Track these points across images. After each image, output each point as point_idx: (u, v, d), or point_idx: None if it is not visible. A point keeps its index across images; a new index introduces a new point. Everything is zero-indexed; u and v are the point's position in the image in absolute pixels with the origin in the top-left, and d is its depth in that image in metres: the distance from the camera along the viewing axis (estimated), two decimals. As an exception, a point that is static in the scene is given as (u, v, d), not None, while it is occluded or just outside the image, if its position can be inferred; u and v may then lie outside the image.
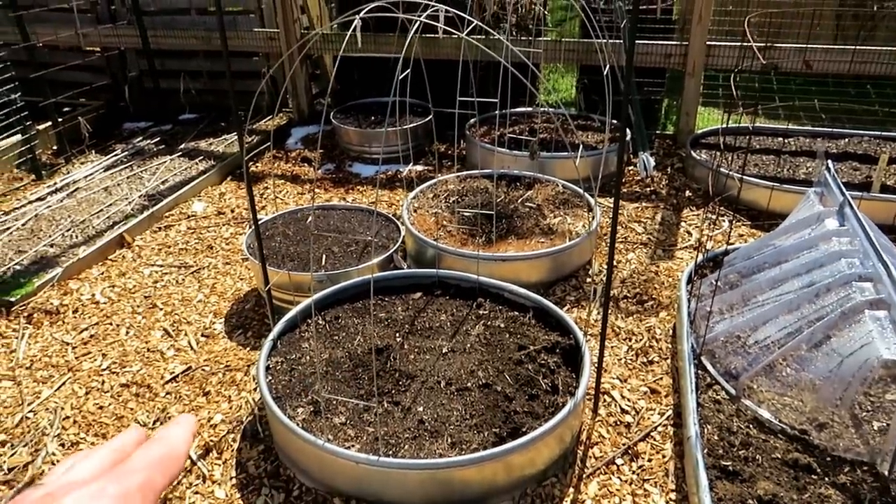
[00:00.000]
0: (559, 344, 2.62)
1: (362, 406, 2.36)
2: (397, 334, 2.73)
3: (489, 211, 3.49)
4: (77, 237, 3.73)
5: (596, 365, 2.50)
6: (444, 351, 2.62)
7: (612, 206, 4.12)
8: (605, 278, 3.29)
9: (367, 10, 2.20)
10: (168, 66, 5.84)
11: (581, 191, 3.82)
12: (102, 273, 3.56)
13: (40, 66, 4.62)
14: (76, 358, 2.92)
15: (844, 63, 4.59)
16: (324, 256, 3.20)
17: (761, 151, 4.62)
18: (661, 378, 2.74)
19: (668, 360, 2.84)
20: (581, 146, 4.53)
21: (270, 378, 2.46)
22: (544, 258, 3.26)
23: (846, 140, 4.77)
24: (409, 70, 3.23)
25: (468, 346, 2.66)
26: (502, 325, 2.77)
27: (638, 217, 4.02)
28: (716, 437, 2.24)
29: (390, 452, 2.16)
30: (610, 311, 3.18)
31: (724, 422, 2.31)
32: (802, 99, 5.77)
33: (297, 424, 2.22)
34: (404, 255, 3.45)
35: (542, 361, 2.54)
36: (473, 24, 2.47)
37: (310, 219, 3.54)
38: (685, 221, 3.99)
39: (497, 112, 4.50)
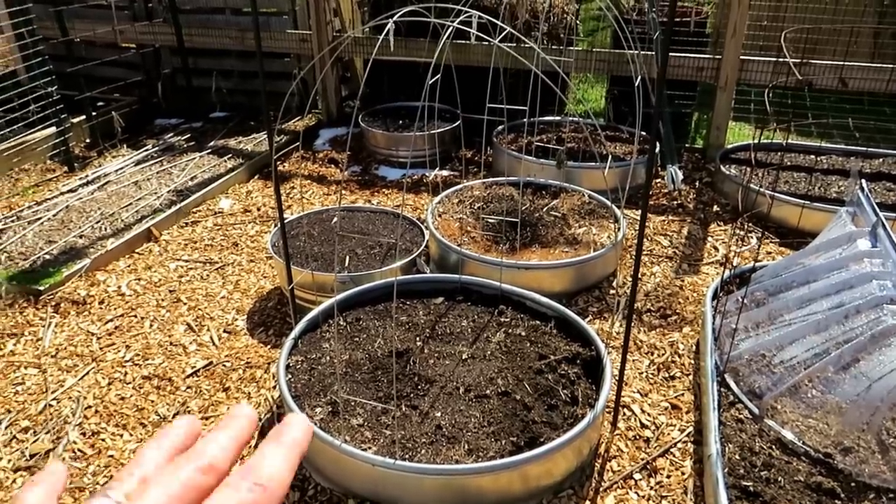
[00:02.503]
0: (580, 355, 2.60)
1: (380, 408, 2.36)
2: (418, 338, 2.73)
3: (514, 218, 3.48)
4: (106, 229, 3.78)
5: (617, 378, 2.47)
6: (464, 357, 2.62)
7: (638, 217, 4.09)
8: (628, 291, 3.27)
9: (400, 14, 2.21)
10: (201, 64, 5.92)
11: (607, 202, 3.79)
12: (129, 266, 3.61)
13: (77, 60, 4.71)
14: (100, 348, 2.96)
15: (881, 82, 4.52)
16: (347, 258, 3.21)
17: (792, 168, 4.55)
18: (683, 394, 2.70)
19: (691, 377, 2.81)
20: (610, 157, 4.50)
21: (290, 376, 2.47)
22: (568, 268, 3.24)
23: (881, 160, 4.69)
24: (439, 75, 3.24)
25: (488, 353, 2.65)
26: (523, 334, 2.75)
27: (664, 230, 3.98)
28: (737, 457, 2.20)
29: (407, 456, 2.16)
30: (633, 325, 3.15)
31: (746, 441, 2.27)
32: (835, 117, 5.69)
33: (315, 424, 2.23)
34: (427, 259, 3.45)
35: (563, 372, 2.52)
36: (506, 32, 2.46)
37: (335, 220, 3.55)
38: (712, 236, 3.94)
39: (525, 120, 4.49)
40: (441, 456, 2.17)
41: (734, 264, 3.62)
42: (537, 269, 3.20)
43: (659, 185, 4.62)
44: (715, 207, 4.29)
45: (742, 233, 3.96)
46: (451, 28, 2.31)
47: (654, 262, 3.65)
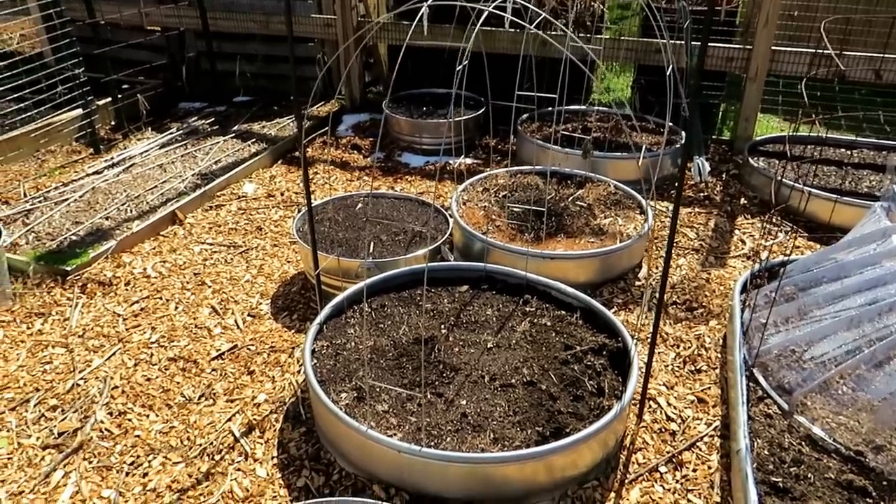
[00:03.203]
0: (606, 346, 2.57)
1: (405, 395, 2.35)
2: (443, 326, 2.72)
3: (539, 208, 3.45)
4: (131, 211, 3.80)
5: (644, 370, 2.44)
6: (489, 346, 2.60)
7: (665, 209, 4.04)
8: (655, 283, 3.23)
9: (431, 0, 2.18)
10: (225, 48, 5.92)
11: (634, 192, 3.75)
12: (154, 248, 3.63)
13: (103, 43, 4.72)
14: (126, 329, 2.98)
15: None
16: (372, 244, 3.20)
17: (823, 162, 4.47)
18: (710, 388, 2.67)
19: (717, 370, 2.78)
20: (644, 147, 4.45)
21: (316, 361, 2.47)
22: (593, 258, 3.21)
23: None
24: (466, 62, 3.21)
25: (513, 342, 2.64)
26: (549, 324, 2.73)
27: (691, 222, 3.93)
28: (766, 452, 2.17)
29: (432, 443, 2.15)
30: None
31: (775, 437, 2.24)
32: (866, 110, 5.58)
33: (341, 409, 2.23)
34: (450, 246, 3.43)
35: (589, 363, 2.50)
36: (541, 17, 2.43)
37: (359, 205, 3.54)
38: (739, 229, 3.89)
39: (550, 109, 4.44)
40: (466, 444, 2.17)
41: (762, 258, 3.58)
42: (563, 259, 3.17)
43: (686, 175, 4.55)
44: (742, 200, 4.23)
45: (770, 226, 3.90)
46: (484, 13, 2.27)
47: (681, 255, 3.61)
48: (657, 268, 3.48)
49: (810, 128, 5.75)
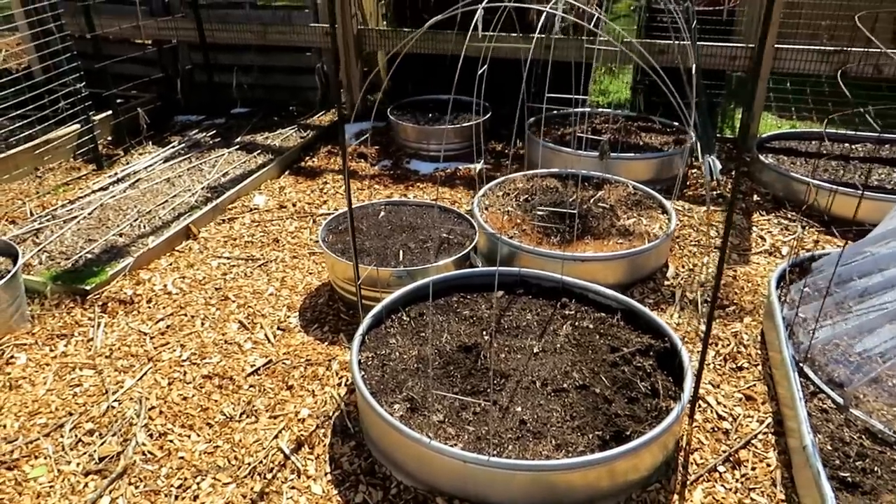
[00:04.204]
0: (652, 347, 2.55)
1: (458, 404, 2.31)
2: (484, 332, 2.68)
3: (565, 210, 3.43)
4: (145, 227, 3.71)
5: (696, 370, 2.43)
6: (534, 351, 2.57)
7: (681, 209, 4.03)
8: (685, 282, 3.23)
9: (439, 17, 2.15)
10: (220, 59, 5.83)
11: (654, 192, 3.75)
12: (171, 264, 3.54)
13: (103, 57, 4.62)
14: (155, 348, 2.89)
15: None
16: (401, 252, 3.15)
17: (833, 157, 4.52)
18: (755, 385, 2.66)
19: (759, 367, 2.77)
20: (672, 145, 4.46)
21: (363, 373, 2.41)
22: (624, 259, 3.19)
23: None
24: (484, 68, 3.19)
25: (558, 346, 2.60)
26: (591, 326, 2.71)
27: (710, 221, 3.94)
28: (829, 448, 2.16)
29: (495, 452, 2.11)
30: (691, 315, 3.12)
31: (834, 432, 2.23)
32: (861, 105, 5.67)
33: (395, 420, 2.17)
34: (474, 250, 3.39)
35: (638, 364, 2.47)
36: (543, 20, 2.41)
37: (381, 213, 3.49)
38: (756, 226, 3.90)
39: (556, 112, 4.44)
40: (529, 451, 2.13)
41: (781, 253, 3.60)
42: (594, 262, 3.15)
43: (695, 175, 4.58)
44: (755, 197, 4.25)
45: (792, 222, 3.93)
46: (479, 18, 2.25)
47: (704, 253, 3.61)
48: (683, 267, 3.48)
49: (816, 124, 5.83)
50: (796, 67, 4.66)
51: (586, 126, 4.81)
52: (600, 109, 5.14)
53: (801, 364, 2.52)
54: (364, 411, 2.34)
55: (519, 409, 2.29)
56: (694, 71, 2.89)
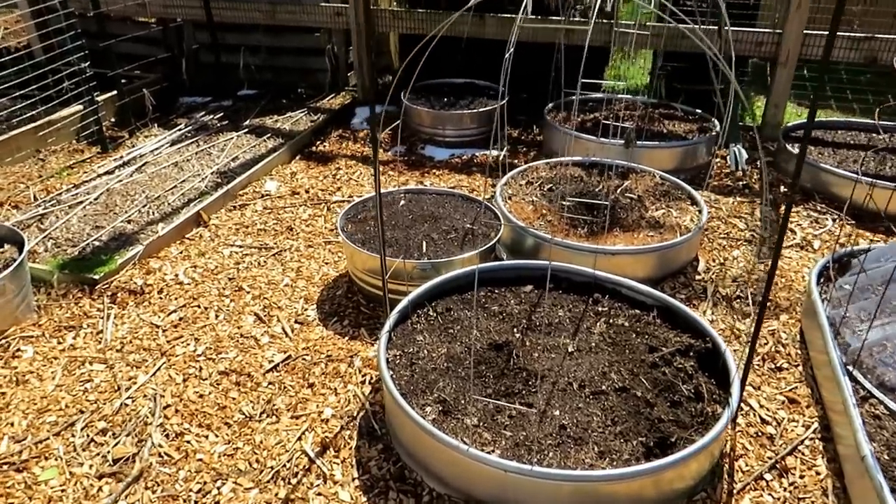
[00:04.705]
0: (693, 347, 2.43)
1: (492, 406, 2.19)
2: (515, 329, 2.55)
3: (593, 200, 3.30)
4: (154, 214, 3.57)
5: (742, 372, 2.31)
6: (569, 350, 2.45)
7: (707, 199, 3.90)
8: (715, 276, 3.11)
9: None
10: (227, 39, 5.65)
11: (682, 183, 3.62)
12: (181, 252, 3.41)
13: (107, 36, 4.45)
14: (168, 342, 2.76)
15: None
16: (424, 243, 3.02)
17: (856, 147, 4.39)
18: (797, 387, 2.55)
19: (800, 367, 2.66)
20: (711, 132, 4.31)
21: (392, 373, 2.29)
22: (655, 253, 3.07)
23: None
24: (510, 51, 3.05)
25: (593, 344, 2.48)
26: (626, 324, 2.59)
27: (737, 212, 3.81)
28: (886, 457, 2.05)
29: (535, 460, 1.99)
30: (725, 312, 3.00)
31: (889, 440, 2.12)
32: (885, 94, 5.53)
33: (428, 423, 2.05)
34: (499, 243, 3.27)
35: (679, 365, 2.36)
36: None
37: (401, 202, 3.36)
38: (785, 218, 3.77)
39: (574, 97, 4.28)
40: (571, 459, 2.01)
41: (813, 247, 3.48)
42: (626, 255, 3.03)
43: (719, 165, 4.45)
44: (782, 188, 4.13)
45: (816, 214, 3.80)
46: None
47: (734, 246, 3.49)
48: (714, 261, 3.35)
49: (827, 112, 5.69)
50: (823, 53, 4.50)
51: (608, 113, 4.66)
52: (620, 96, 4.99)
53: (847, 366, 2.40)
54: (393, 413, 2.22)
55: (557, 412, 2.18)
56: (728, 53, 2.76)
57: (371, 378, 2.57)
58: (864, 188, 3.75)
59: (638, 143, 4.10)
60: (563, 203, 3.38)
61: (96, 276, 3.04)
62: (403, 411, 2.09)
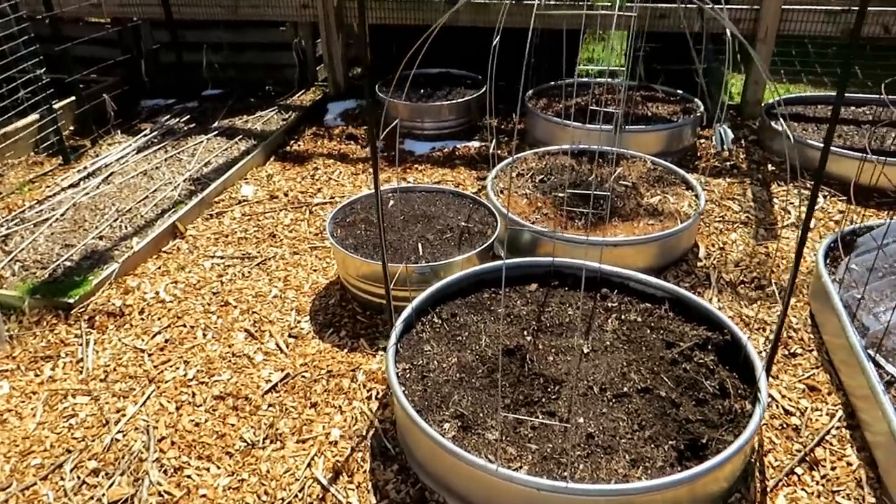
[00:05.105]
0: (710, 340, 2.35)
1: (513, 418, 2.08)
2: (525, 332, 2.44)
3: (591, 192, 3.20)
4: (126, 228, 3.37)
5: (766, 364, 2.23)
6: (584, 351, 2.35)
7: (700, 182, 3.82)
8: (716, 262, 3.03)
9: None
10: (187, 38, 5.40)
11: (674, 167, 3.54)
12: (160, 267, 3.22)
13: (61, 39, 4.18)
14: (155, 367, 2.59)
15: (925, 26, 4.35)
16: (419, 245, 2.89)
17: (842, 122, 4.36)
18: (815, 373, 2.49)
19: (814, 353, 2.60)
20: (679, 115, 4.23)
21: (404, 388, 2.16)
22: (657, 242, 2.98)
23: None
24: (498, 39, 2.94)
25: (608, 343, 2.39)
26: (639, 320, 2.50)
27: (729, 194, 3.75)
28: (921, 444, 2.00)
29: (566, 474, 1.89)
30: (731, 299, 2.93)
31: (921, 426, 2.07)
32: (861, 66, 5.56)
33: (448, 441, 1.93)
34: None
35: (699, 360, 2.27)
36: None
37: (391, 202, 3.21)
38: (777, 198, 3.73)
39: (553, 83, 4.17)
40: (603, 470, 1.91)
41: (807, 225, 3.43)
42: (628, 246, 2.94)
43: (704, 145, 4.39)
44: (769, 167, 4.08)
45: (807, 192, 3.76)
46: None
47: (731, 229, 3.42)
48: (713, 246, 3.28)
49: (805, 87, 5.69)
50: (802, 29, 4.47)
51: (590, 98, 4.56)
52: (601, 80, 4.89)
53: (867, 350, 2.34)
54: (409, 431, 2.10)
55: (581, 420, 2.08)
56: (729, 35, 2.67)
57: (377, 393, 2.44)
58: (853, 164, 3.72)
59: (626, 127, 4.01)
60: (558, 195, 3.27)
61: (71, 300, 2.84)
62: (421, 429, 1.97)
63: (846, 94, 4.74)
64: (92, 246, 3.21)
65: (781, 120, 4.22)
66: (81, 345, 2.70)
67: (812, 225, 3.47)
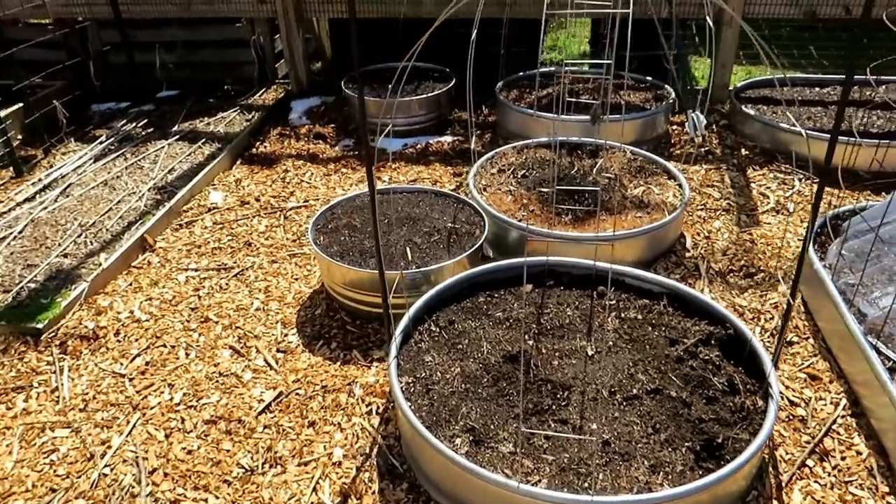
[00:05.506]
0: (713, 334, 2.33)
1: (524, 428, 2.02)
2: (526, 336, 2.38)
3: (579, 187, 3.15)
4: (92, 243, 3.19)
5: (774, 357, 2.22)
6: (588, 353, 2.30)
7: (683, 171, 3.81)
8: (705, 252, 3.01)
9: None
10: (138, 37, 5.16)
11: (654, 157, 3.52)
12: (131, 284, 3.05)
13: (7, 43, 3.93)
14: (138, 392, 2.45)
15: (882, 8, 4.42)
16: (407, 249, 2.80)
17: (809, 104, 4.41)
18: (814, 362, 2.50)
19: (811, 341, 2.60)
20: (651, 103, 4.21)
21: (410, 404, 2.08)
22: (647, 234, 2.96)
23: (884, 87, 4.60)
24: (476, 32, 2.87)
25: (611, 344, 2.34)
26: (639, 317, 2.46)
27: (708, 181, 3.75)
28: (931, 431, 2.01)
29: (586, 485, 1.84)
30: (722, 288, 2.92)
31: (928, 411, 2.08)
32: (818, 48, 5.66)
33: (461, 457, 1.86)
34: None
35: (705, 356, 2.25)
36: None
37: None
38: (754, 182, 3.75)
39: (522, 74, 4.11)
40: (623, 478, 1.87)
41: (788, 210, 3.46)
42: (621, 240, 2.90)
43: (677, 132, 4.39)
44: (743, 151, 4.10)
45: (783, 175, 3.79)
46: None
47: (713, 217, 3.42)
48: (699, 234, 3.28)
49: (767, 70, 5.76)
50: (767, 12, 4.50)
51: (561, 88, 4.51)
52: (568, 68, 4.85)
53: (867, 336, 2.35)
54: (419, 448, 2.02)
55: (594, 426, 2.03)
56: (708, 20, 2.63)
57: (377, 407, 2.35)
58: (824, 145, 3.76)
59: (605, 117, 3.97)
60: (543, 190, 3.21)
61: (40, 325, 2.66)
62: (432, 446, 1.89)
63: (808, 76, 4.81)
64: (56, 265, 3.02)
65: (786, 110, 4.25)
66: (55, 372, 2.54)
67: (791, 209, 3.49)
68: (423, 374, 2.21)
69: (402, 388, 2.13)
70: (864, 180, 3.62)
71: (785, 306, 2.76)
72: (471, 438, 1.99)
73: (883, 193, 3.48)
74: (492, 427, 2.03)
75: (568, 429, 2.02)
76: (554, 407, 2.10)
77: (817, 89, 4.65)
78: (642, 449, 1.95)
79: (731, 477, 1.82)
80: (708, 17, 2.33)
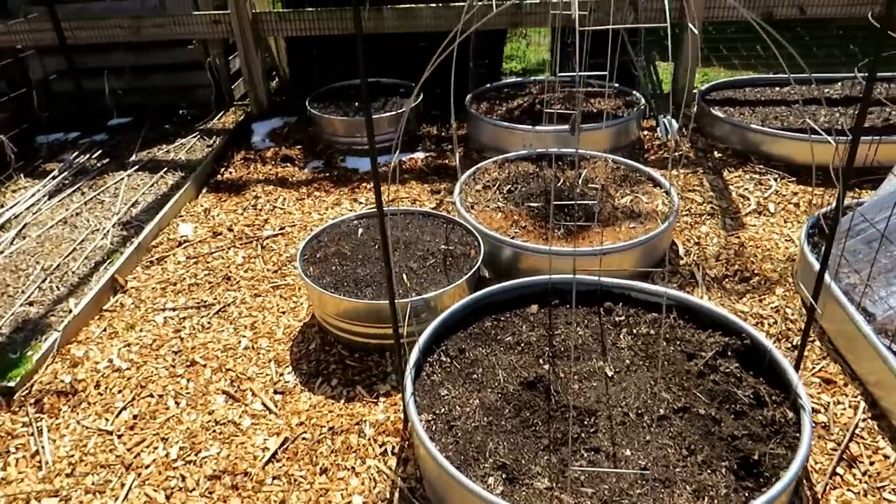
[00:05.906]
0: (729, 346, 2.29)
1: (557, 459, 1.93)
2: (541, 360, 2.30)
3: (573, 201, 3.09)
4: (58, 288, 2.97)
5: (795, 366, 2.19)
6: (608, 373, 2.23)
7: (667, 178, 3.81)
8: (698, 258, 2.99)
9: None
10: (86, 63, 4.91)
11: (637, 164, 3.49)
12: (105, 329, 2.85)
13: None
14: (129, 450, 2.26)
15: (837, 7, 4.54)
16: (404, 276, 2.68)
17: (771, 103, 4.48)
18: (825, 365, 2.49)
19: (817, 343, 2.60)
20: (623, 109, 4.19)
21: (436, 444, 1.96)
22: (643, 245, 2.91)
23: (839, 84, 4.72)
24: (457, 44, 2.80)
25: (628, 362, 2.28)
26: (650, 332, 2.40)
27: (689, 186, 3.75)
28: (959, 430, 2.00)
29: (633, 518, 1.76)
30: (721, 295, 2.90)
31: (951, 410, 2.08)
32: (752, 46, 5.75)
33: (497, 498, 1.76)
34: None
35: (725, 370, 2.20)
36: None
37: (360, 231, 2.99)
38: (733, 185, 3.77)
39: (489, 85, 4.06)
40: (668, 507, 1.80)
41: (770, 210, 3.48)
42: (616, 252, 2.85)
43: (648, 137, 4.39)
44: (716, 153, 4.12)
45: (758, 176, 3.82)
46: None
47: (699, 223, 3.41)
48: (689, 241, 3.26)
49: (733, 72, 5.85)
50: (727, 15, 4.56)
51: (528, 99, 4.47)
52: (534, 78, 4.82)
53: (880, 336, 2.35)
54: (449, 490, 1.91)
55: (628, 452, 1.95)
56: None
57: (392, 447, 2.23)
58: (800, 145, 3.82)
59: (581, 127, 3.94)
60: (532, 205, 3.14)
61: (11, 383, 2.45)
62: (465, 488, 1.78)
63: (769, 76, 4.90)
64: (22, 314, 2.80)
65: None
66: (33, 434, 2.33)
67: (772, 210, 3.52)
68: (443, 410, 2.10)
69: (424, 426, 2.01)
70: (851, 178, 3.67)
71: (786, 310, 2.77)
72: (504, 476, 1.89)
73: (860, 189, 3.54)
74: (523, 462, 1.93)
75: (602, 457, 1.94)
76: (583, 435, 2.02)
77: (777, 88, 4.74)
78: (681, 473, 1.89)
79: (778, 498, 1.76)
80: (670, 23, 2.30)
